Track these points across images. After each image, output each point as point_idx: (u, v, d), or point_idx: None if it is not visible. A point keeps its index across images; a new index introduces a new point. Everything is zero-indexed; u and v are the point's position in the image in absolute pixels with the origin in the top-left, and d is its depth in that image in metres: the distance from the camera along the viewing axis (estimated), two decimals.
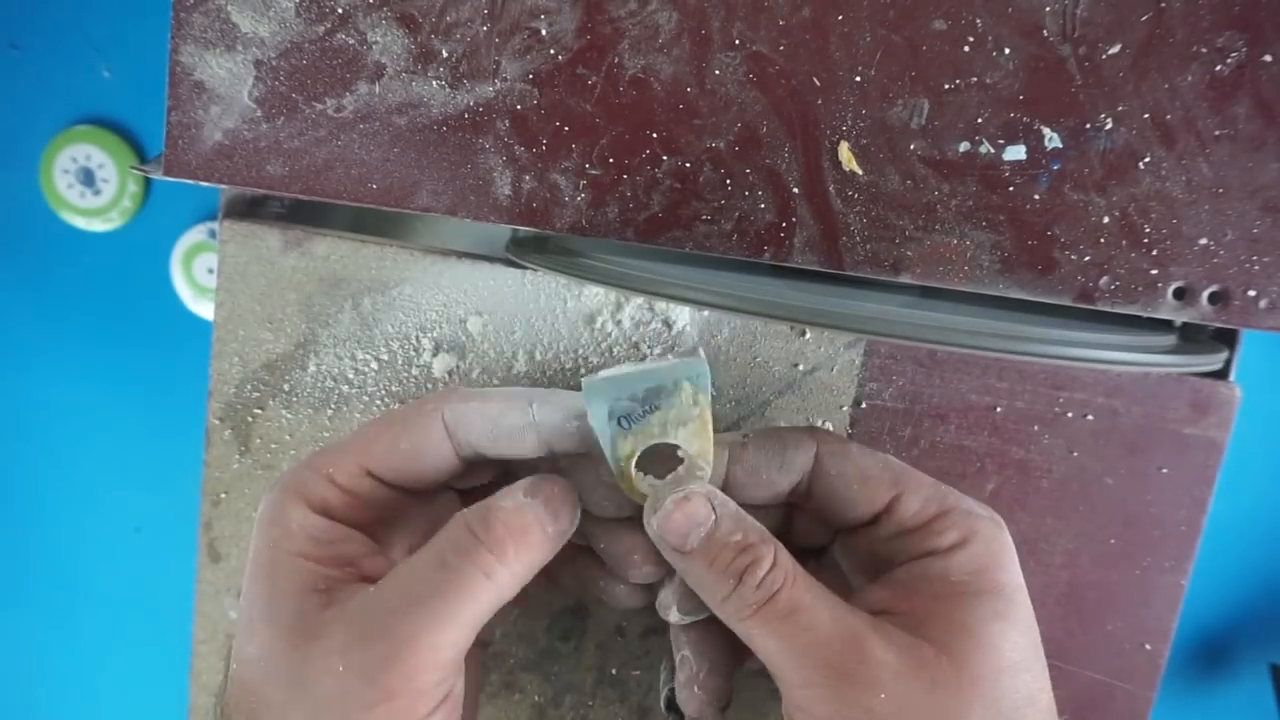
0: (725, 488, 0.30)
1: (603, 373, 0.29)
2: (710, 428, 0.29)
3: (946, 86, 0.30)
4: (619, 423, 0.29)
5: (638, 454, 0.29)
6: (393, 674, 0.26)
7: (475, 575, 0.27)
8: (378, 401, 0.38)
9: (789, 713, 0.28)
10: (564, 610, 0.39)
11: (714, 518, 0.28)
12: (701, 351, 0.31)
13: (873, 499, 0.30)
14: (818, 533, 0.32)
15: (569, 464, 0.31)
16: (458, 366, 0.37)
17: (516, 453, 0.30)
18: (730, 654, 0.31)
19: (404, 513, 0.31)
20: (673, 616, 0.31)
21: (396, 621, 0.27)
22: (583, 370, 0.37)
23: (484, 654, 0.35)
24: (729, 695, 0.32)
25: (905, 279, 0.31)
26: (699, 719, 0.32)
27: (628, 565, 0.31)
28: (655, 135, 0.31)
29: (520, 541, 0.28)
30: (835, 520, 0.31)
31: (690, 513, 0.28)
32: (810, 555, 0.33)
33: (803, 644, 0.27)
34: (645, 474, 0.30)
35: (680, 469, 0.30)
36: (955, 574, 0.28)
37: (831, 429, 0.36)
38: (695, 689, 0.31)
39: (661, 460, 0.30)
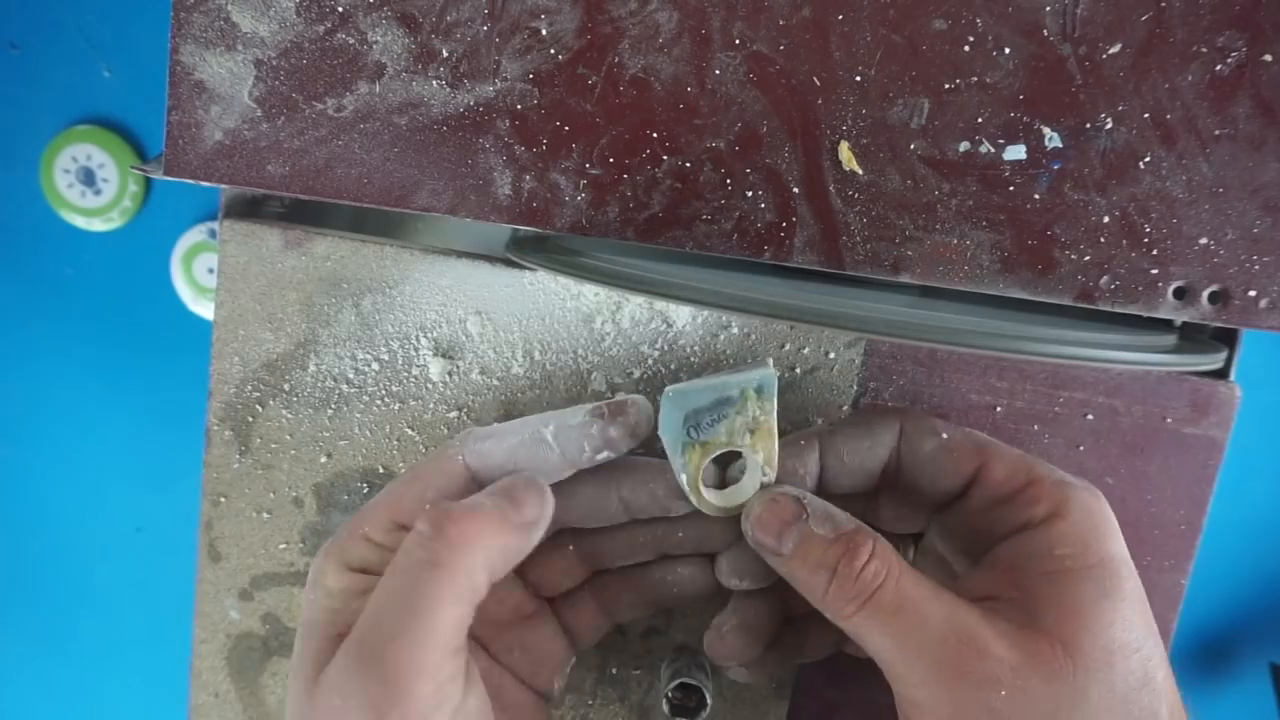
0: (821, 477, 0.31)
1: (672, 386, 0.30)
2: (775, 434, 0.30)
3: (947, 86, 0.30)
4: (688, 433, 0.30)
5: (706, 463, 0.30)
6: (382, 690, 0.26)
7: (433, 577, 0.27)
8: (378, 401, 0.38)
9: (904, 710, 0.28)
10: None
11: (805, 515, 0.29)
12: (770, 361, 0.31)
13: (958, 468, 0.30)
14: (912, 517, 0.33)
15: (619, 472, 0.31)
16: (457, 367, 0.37)
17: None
18: (775, 620, 0.32)
19: None
20: (730, 583, 0.32)
21: (379, 641, 0.26)
22: (583, 368, 0.37)
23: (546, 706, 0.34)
24: (768, 635, 0.32)
25: (905, 278, 0.31)
26: (734, 661, 0.33)
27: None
28: (655, 135, 0.31)
29: (474, 537, 0.27)
30: (926, 496, 0.31)
31: (778, 513, 0.29)
32: (907, 544, 0.34)
33: (916, 642, 0.26)
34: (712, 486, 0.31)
35: (744, 479, 0.30)
36: (1057, 549, 0.28)
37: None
38: (737, 624, 0.32)
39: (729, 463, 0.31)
